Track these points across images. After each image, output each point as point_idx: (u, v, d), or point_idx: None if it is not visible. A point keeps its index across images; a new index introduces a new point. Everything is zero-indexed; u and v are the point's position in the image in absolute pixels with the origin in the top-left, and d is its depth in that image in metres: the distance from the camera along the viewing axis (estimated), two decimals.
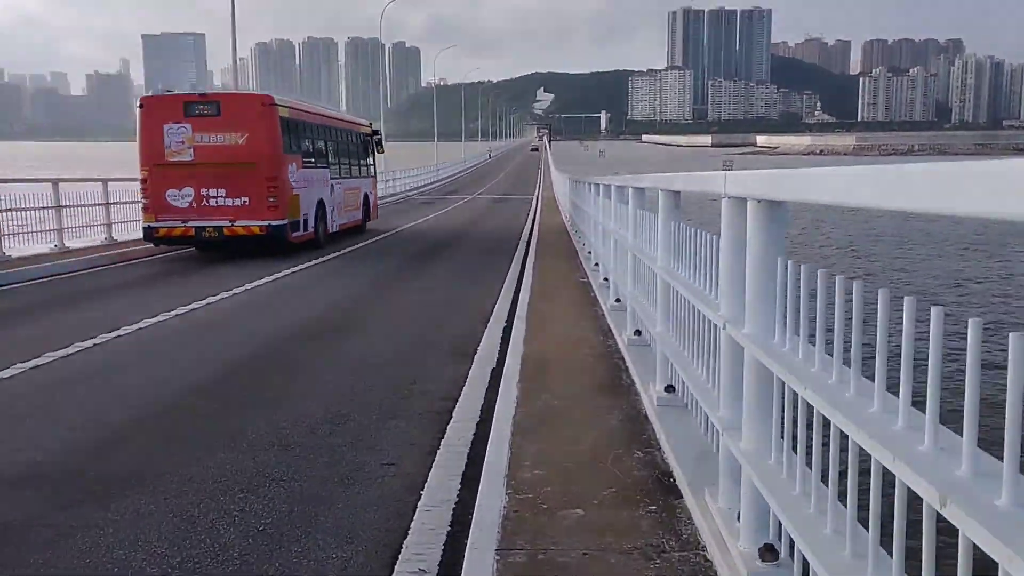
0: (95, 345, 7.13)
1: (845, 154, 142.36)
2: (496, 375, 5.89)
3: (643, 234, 5.92)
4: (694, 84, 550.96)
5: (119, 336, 7.52)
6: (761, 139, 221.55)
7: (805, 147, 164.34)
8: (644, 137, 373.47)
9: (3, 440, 4.76)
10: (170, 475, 4.12)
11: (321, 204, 16.38)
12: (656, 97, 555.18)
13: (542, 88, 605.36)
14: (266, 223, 14.05)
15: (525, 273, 11.47)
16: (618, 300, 7.66)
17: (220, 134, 14.13)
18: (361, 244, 16.94)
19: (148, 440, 4.77)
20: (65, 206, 14.99)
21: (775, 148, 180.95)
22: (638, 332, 6.24)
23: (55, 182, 15.03)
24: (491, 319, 8.21)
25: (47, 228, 14.67)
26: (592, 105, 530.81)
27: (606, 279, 8.89)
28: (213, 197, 14.07)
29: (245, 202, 14.04)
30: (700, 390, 3.77)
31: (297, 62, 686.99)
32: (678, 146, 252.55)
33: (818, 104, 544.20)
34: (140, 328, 7.88)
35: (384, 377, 6.16)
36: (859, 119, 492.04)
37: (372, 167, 21.93)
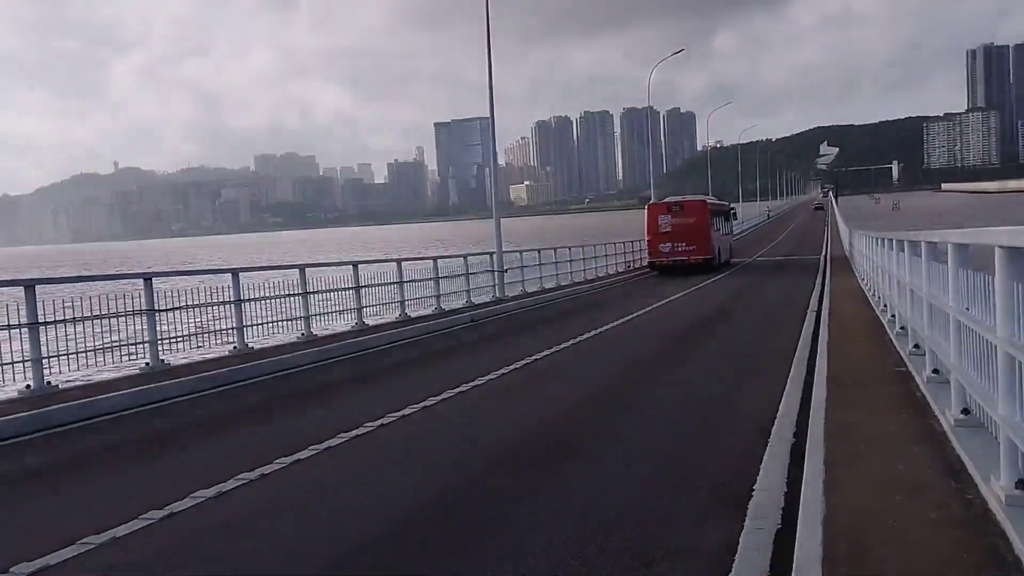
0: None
1: None
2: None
3: None
4: (1000, 125, 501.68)
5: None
6: None
7: None
8: (944, 185, 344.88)
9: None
10: None
11: (720, 248, 33.85)
12: (956, 142, 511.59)
13: (825, 142, 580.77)
14: (703, 257, 31.42)
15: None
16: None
17: (680, 218, 31.59)
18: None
19: None
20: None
21: None
22: None
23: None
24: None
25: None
26: (882, 156, 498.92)
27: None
28: (675, 247, 31.51)
29: (694, 248, 31.33)
30: None
31: (575, 135, 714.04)
32: (987, 192, 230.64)
33: None
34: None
35: None
36: None
37: (731, 227, 41.58)
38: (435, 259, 20.06)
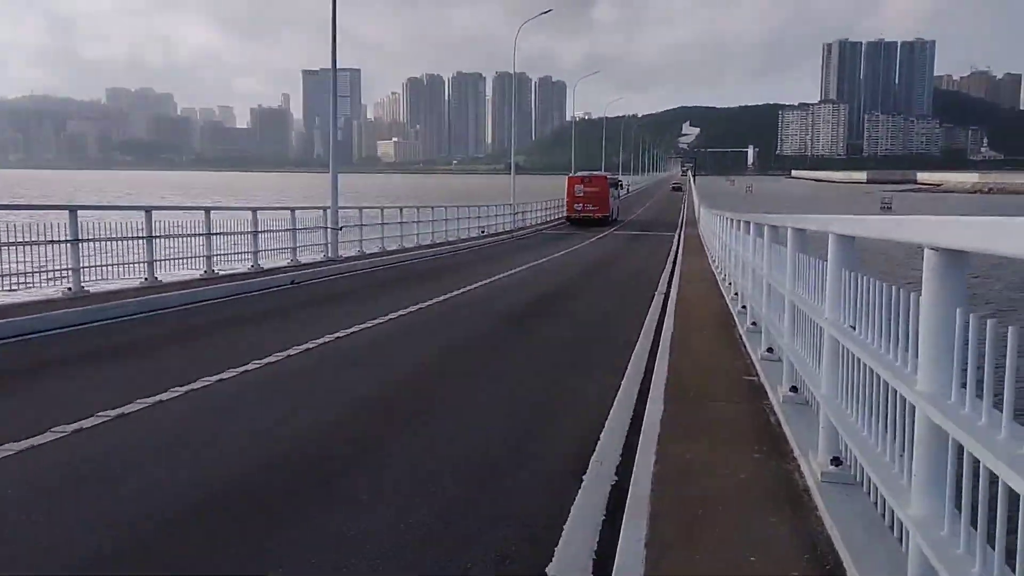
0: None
1: (1017, 192, 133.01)
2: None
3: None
4: (849, 118, 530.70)
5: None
6: (922, 176, 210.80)
7: (972, 185, 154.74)
8: (794, 172, 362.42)
9: None
10: None
11: (614, 208, 45.46)
12: (808, 131, 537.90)
13: (688, 122, 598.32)
14: (603, 215, 42.62)
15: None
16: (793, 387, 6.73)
17: (590, 187, 42.85)
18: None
19: None
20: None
21: (938, 185, 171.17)
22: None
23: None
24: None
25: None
26: (739, 140, 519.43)
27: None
28: (586, 206, 42.47)
29: (598, 208, 42.48)
30: None
31: (446, 95, 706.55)
32: (831, 182, 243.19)
33: (984, 140, 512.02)
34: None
35: None
36: None
37: (619, 194, 52.17)
38: (255, 210, 17.77)
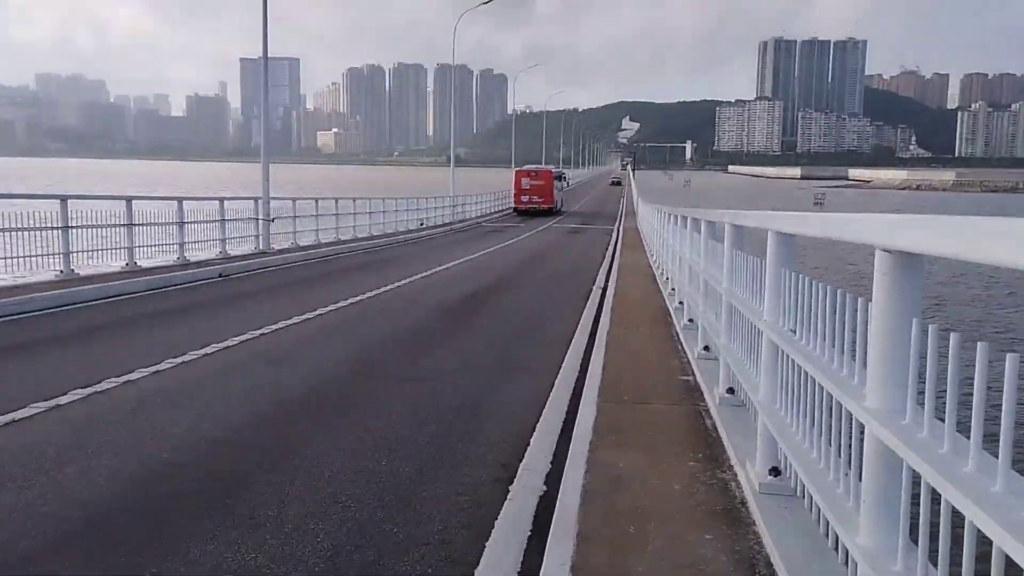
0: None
1: (944, 190, 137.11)
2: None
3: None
4: (783, 115, 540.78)
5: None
6: (854, 172, 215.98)
7: (901, 182, 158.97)
8: (730, 167, 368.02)
9: None
10: None
11: (558, 200, 47.25)
12: (744, 127, 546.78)
13: (628, 117, 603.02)
14: (548, 206, 44.89)
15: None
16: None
17: (536, 180, 45.33)
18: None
19: None
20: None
21: (869, 182, 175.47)
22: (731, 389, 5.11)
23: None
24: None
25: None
26: (678, 135, 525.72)
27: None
28: (533, 198, 44.82)
29: (543, 200, 44.88)
30: None
31: (387, 86, 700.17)
32: (766, 177, 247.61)
33: (913, 138, 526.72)
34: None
35: None
36: (956, 154, 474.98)
37: (563, 186, 55.40)
38: (180, 200, 17.09)
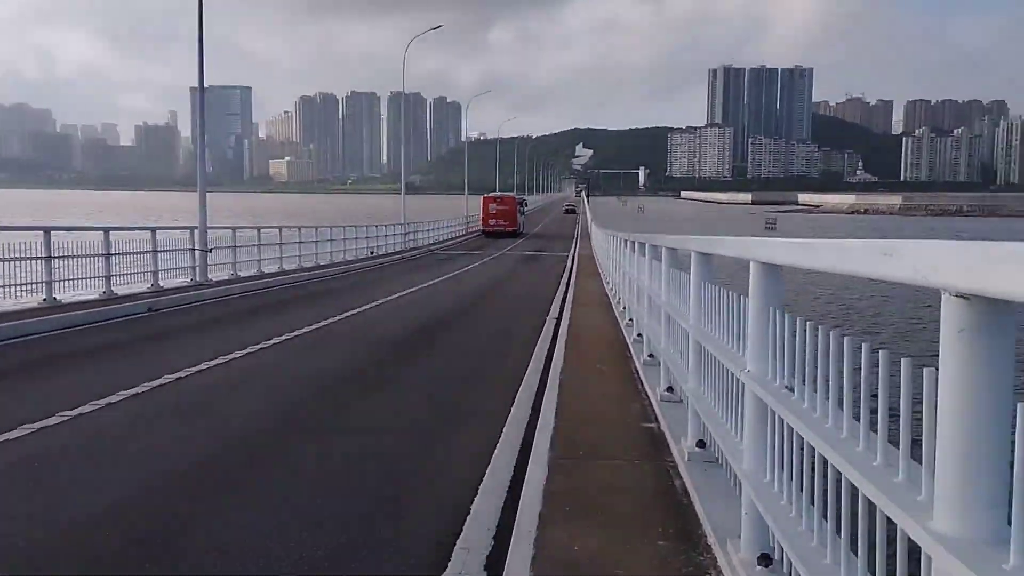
0: None
1: (891, 213, 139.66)
2: None
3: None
4: (734, 141, 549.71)
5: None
6: (803, 197, 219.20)
7: (849, 206, 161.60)
8: (683, 193, 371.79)
9: None
10: None
11: (520, 223, 52.90)
12: (696, 154, 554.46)
13: (581, 144, 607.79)
14: (512, 228, 50.37)
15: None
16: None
17: (502, 206, 51.30)
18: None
19: None
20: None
21: (818, 206, 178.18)
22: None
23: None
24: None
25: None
26: (631, 161, 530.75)
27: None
28: (499, 221, 50.29)
29: (507, 223, 50.30)
30: None
31: (340, 114, 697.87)
32: (718, 203, 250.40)
33: (860, 163, 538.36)
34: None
35: None
36: (902, 179, 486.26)
37: (524, 211, 60.05)
38: (106, 230, 16.03)
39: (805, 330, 2.61)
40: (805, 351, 2.60)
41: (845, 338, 2.27)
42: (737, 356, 3.56)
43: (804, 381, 2.64)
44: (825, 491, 2.37)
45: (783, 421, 2.84)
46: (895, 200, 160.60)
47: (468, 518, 4.45)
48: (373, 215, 71.75)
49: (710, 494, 4.21)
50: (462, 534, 4.22)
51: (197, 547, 4.15)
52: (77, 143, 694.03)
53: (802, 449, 2.64)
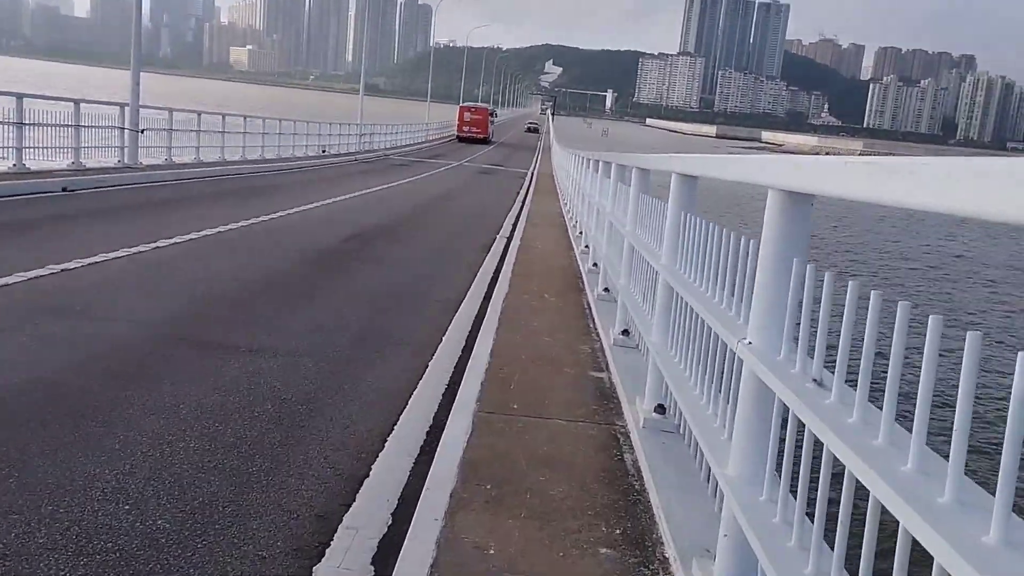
0: None
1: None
2: None
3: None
4: (704, 72, 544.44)
5: None
6: (767, 135, 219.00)
7: (811, 148, 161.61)
8: (648, 121, 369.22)
9: None
10: None
11: (491, 132, 58.99)
12: (665, 82, 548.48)
13: (551, 60, 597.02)
14: (484, 136, 56.61)
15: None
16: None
17: (476, 115, 57.60)
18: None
19: None
20: None
21: (781, 145, 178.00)
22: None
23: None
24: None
25: None
26: (600, 83, 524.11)
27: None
28: (472, 128, 56.49)
29: (480, 131, 56.40)
30: None
31: (307, 6, 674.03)
32: (682, 133, 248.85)
33: (826, 106, 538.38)
34: None
35: None
36: (865, 125, 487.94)
37: (493, 121, 63.15)
38: (19, 96, 14.49)
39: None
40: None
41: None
42: (737, 323, 2.60)
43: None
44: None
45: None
46: (856, 145, 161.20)
47: (362, 485, 3.53)
48: (332, 114, 69.11)
49: (670, 480, 3.33)
50: (351, 509, 3.30)
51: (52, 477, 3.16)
52: (27, 8, 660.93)
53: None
